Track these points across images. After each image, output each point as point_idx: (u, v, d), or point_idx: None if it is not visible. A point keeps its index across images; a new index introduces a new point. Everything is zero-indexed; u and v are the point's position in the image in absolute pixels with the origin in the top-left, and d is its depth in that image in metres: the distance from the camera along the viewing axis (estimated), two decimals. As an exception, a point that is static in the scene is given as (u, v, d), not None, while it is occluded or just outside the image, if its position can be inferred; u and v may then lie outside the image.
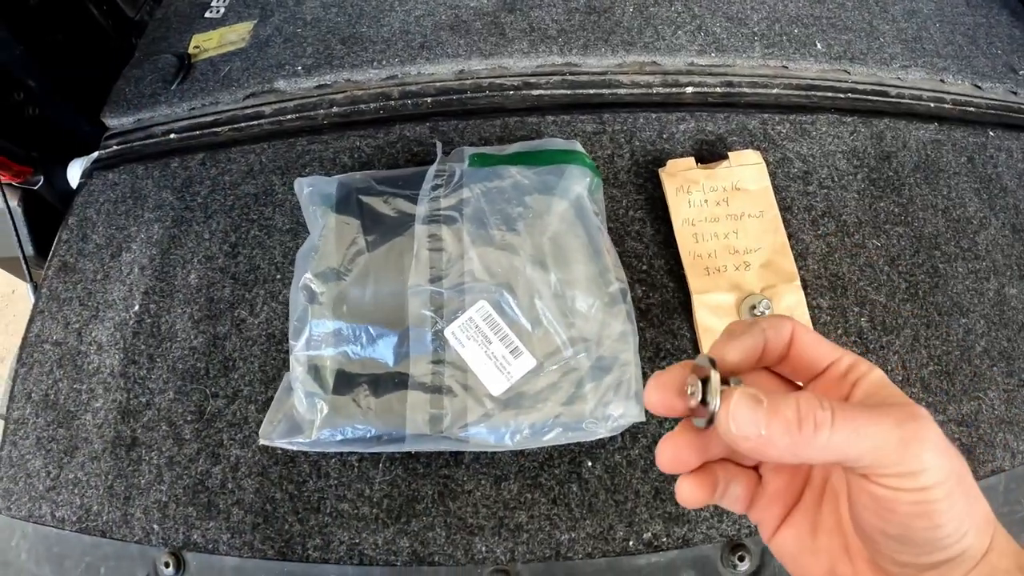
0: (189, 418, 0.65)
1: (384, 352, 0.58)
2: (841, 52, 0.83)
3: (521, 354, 0.56)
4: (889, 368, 0.65)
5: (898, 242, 0.71)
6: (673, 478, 0.60)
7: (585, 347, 0.57)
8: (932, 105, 0.82)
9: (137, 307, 0.71)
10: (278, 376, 0.65)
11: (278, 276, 0.70)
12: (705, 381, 0.25)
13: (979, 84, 0.84)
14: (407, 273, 0.59)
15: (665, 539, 0.57)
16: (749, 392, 0.24)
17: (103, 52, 0.87)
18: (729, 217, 0.68)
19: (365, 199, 0.63)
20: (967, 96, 0.83)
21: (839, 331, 0.66)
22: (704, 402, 0.25)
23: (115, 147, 0.82)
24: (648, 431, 0.60)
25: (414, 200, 0.63)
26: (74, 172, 0.81)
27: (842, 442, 0.22)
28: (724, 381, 0.25)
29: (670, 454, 0.28)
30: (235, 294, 0.69)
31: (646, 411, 0.57)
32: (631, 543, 0.58)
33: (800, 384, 0.29)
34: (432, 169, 0.64)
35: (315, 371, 0.58)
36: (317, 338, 0.59)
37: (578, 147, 0.67)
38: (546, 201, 0.62)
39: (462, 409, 0.55)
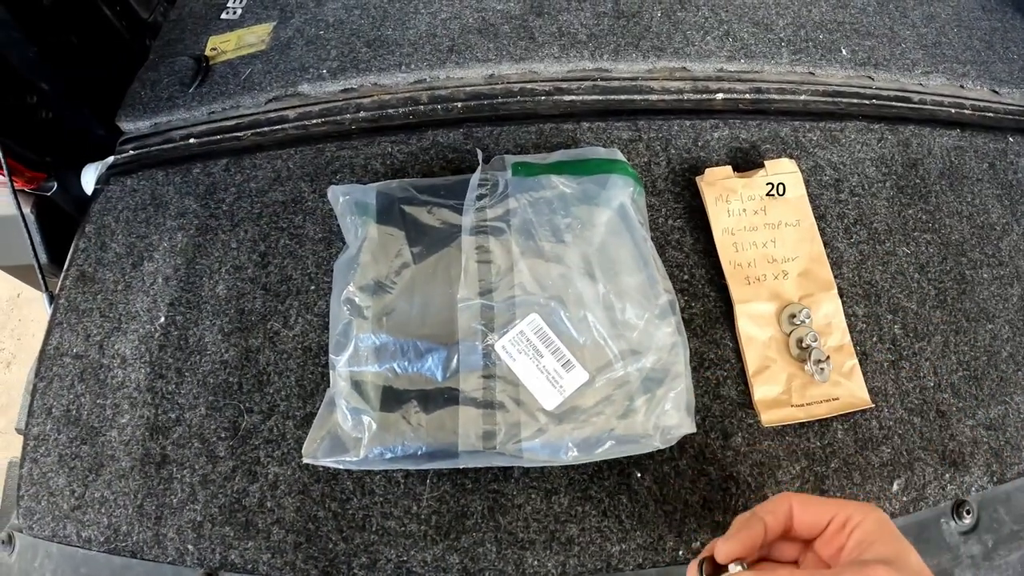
0: (223, 435, 0.63)
1: (433, 367, 0.56)
2: (865, 58, 0.83)
3: (573, 367, 0.56)
4: (922, 375, 0.66)
5: (927, 249, 0.72)
6: (722, 486, 0.60)
7: (636, 359, 0.56)
8: (953, 111, 0.83)
9: (163, 319, 0.69)
10: (316, 391, 0.63)
11: (312, 287, 0.68)
12: None
13: (996, 89, 0.85)
14: (455, 286, 0.58)
15: (715, 549, 0.57)
16: None
17: (117, 54, 0.84)
18: (767, 226, 0.68)
19: (408, 209, 0.62)
20: (986, 102, 0.85)
21: (874, 339, 0.67)
22: None
23: (131, 152, 0.79)
24: (695, 441, 0.60)
25: (458, 210, 0.61)
26: (88, 178, 0.78)
27: None
28: (724, 568, 0.36)
29: None
30: (267, 305, 0.68)
31: (695, 422, 0.57)
32: (681, 553, 0.58)
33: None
34: (475, 178, 0.63)
35: (359, 387, 0.57)
36: (362, 353, 0.57)
37: (619, 156, 0.66)
38: (591, 211, 0.61)
39: (516, 424, 0.55)
